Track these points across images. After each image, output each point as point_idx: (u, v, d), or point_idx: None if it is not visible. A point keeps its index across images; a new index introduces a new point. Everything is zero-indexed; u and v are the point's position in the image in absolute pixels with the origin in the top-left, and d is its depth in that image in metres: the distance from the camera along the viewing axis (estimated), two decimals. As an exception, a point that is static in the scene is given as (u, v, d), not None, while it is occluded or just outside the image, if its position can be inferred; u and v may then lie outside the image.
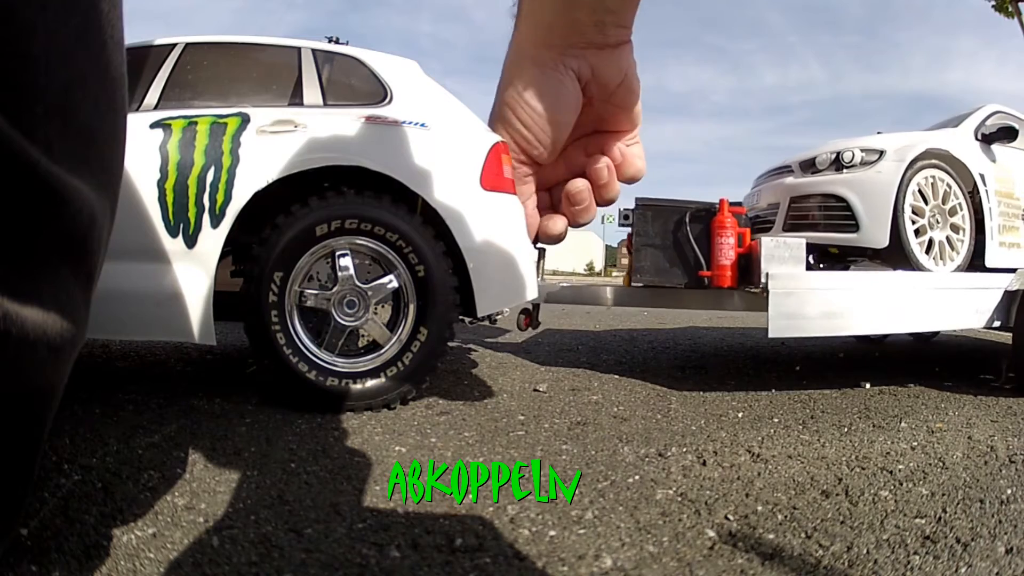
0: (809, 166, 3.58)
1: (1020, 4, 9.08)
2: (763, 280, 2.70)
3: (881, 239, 3.22)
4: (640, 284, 3.16)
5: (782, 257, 2.75)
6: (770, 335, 2.64)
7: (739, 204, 3.19)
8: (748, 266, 2.93)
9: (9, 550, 1.15)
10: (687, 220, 3.06)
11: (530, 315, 3.33)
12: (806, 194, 3.53)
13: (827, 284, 2.76)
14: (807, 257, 3.04)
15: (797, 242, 2.81)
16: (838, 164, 3.42)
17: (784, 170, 3.78)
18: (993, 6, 9.28)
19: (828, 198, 3.41)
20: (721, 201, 3.03)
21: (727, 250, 2.97)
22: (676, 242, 3.10)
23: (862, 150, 3.38)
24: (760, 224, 3.79)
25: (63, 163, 0.32)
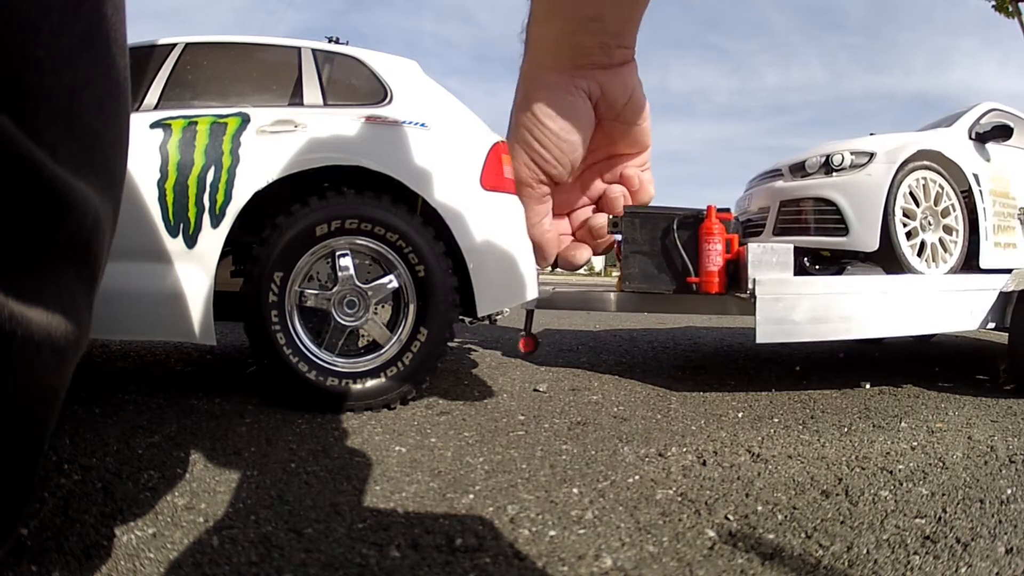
0: (799, 169, 3.54)
1: (1020, 4, 9.08)
2: (751, 286, 2.69)
3: (871, 243, 3.19)
4: (630, 290, 3.16)
5: (769, 263, 2.74)
6: (758, 340, 2.62)
7: (727, 210, 3.18)
8: (736, 272, 2.92)
9: (9, 550, 1.15)
10: (675, 227, 3.06)
11: (533, 338, 3.32)
12: (796, 198, 3.49)
13: (815, 289, 2.75)
14: (800, 260, 3.01)
15: (784, 247, 2.79)
16: (827, 167, 3.38)
17: (774, 174, 3.75)
18: (993, 6, 9.28)
19: (817, 202, 3.38)
20: (709, 208, 3.03)
21: (715, 256, 2.96)
22: (664, 249, 3.08)
23: (852, 153, 3.34)
24: (751, 228, 3.76)
25: (68, 165, 0.32)
